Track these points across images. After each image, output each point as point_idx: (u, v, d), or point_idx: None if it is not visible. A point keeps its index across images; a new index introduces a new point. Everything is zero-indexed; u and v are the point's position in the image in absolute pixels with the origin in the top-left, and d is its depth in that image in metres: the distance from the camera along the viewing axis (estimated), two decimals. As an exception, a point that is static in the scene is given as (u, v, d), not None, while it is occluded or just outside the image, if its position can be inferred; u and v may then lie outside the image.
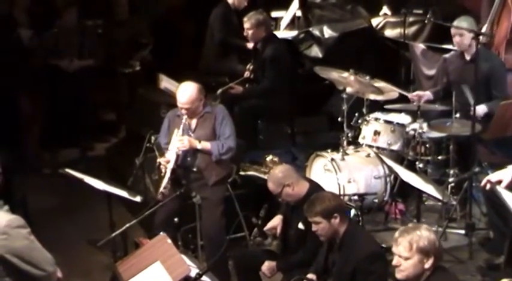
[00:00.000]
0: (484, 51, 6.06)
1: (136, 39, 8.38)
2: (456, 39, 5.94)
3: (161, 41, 8.61)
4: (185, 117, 5.45)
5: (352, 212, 5.42)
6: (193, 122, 5.54)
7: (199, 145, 5.43)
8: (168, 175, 5.37)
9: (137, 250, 4.52)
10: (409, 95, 6.21)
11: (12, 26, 7.67)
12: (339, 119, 6.37)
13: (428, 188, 5.23)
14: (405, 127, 6.12)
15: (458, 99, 5.67)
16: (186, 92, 5.45)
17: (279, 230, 5.07)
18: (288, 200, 4.89)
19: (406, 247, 3.61)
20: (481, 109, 5.71)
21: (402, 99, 6.31)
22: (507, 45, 6.66)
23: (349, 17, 8.34)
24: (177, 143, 5.41)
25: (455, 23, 5.92)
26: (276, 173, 4.93)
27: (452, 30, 5.95)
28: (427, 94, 6.26)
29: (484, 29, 6.67)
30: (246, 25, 6.96)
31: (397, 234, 3.69)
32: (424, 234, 3.64)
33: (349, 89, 6.36)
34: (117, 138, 8.24)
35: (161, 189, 5.34)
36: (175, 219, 5.37)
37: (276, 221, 5.11)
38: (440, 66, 6.42)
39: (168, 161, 5.40)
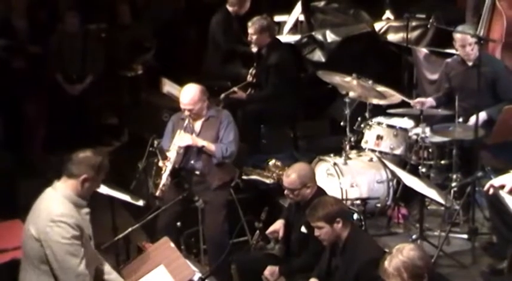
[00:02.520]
0: (485, 55, 6.04)
1: (139, 43, 8.39)
2: (467, 49, 5.88)
3: (164, 45, 8.62)
4: (188, 119, 5.46)
5: (355, 216, 5.42)
6: (198, 124, 5.56)
7: (204, 143, 5.43)
8: (167, 172, 5.35)
9: (140, 254, 4.52)
10: (411, 102, 6.20)
11: None
12: (342, 123, 6.35)
13: (431, 193, 5.21)
14: (408, 132, 6.11)
15: (460, 104, 5.67)
16: (188, 93, 5.48)
17: (281, 234, 5.07)
18: (295, 199, 4.87)
19: (398, 280, 3.46)
20: (481, 116, 5.69)
21: (405, 103, 6.30)
22: (503, 49, 6.64)
23: (352, 21, 8.35)
24: (179, 141, 5.40)
25: (460, 30, 5.90)
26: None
27: (460, 41, 5.90)
28: (429, 101, 6.24)
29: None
30: (250, 30, 6.95)
31: (386, 264, 3.50)
32: (410, 256, 3.46)
33: (351, 94, 6.35)
34: (119, 142, 8.25)
35: (160, 186, 5.32)
36: (178, 223, 5.38)
37: (278, 224, 5.11)
38: (443, 71, 6.39)
39: (168, 159, 5.39)
